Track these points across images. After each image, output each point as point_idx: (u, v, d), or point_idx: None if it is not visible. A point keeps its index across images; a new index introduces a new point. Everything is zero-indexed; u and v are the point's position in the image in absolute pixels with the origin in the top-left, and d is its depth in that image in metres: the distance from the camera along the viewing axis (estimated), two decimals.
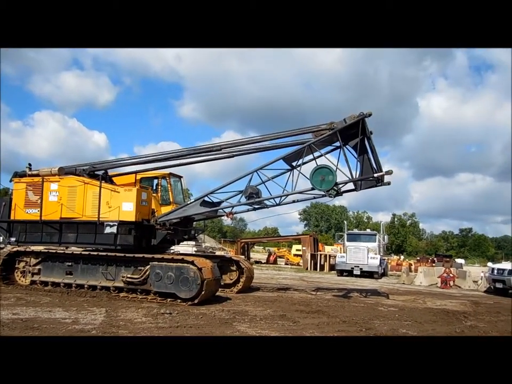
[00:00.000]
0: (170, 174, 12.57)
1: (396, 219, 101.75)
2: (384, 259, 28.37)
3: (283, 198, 10.98)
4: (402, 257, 53.15)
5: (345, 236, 26.82)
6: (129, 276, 10.48)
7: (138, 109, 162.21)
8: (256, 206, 11.29)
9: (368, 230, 34.76)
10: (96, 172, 11.87)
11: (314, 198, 11.43)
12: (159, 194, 12.40)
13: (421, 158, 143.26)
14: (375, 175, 10.36)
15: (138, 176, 12.34)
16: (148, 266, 10.22)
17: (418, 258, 45.62)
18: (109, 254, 10.64)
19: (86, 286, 10.89)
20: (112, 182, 12.01)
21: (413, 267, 32.82)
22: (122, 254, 10.55)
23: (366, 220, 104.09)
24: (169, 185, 12.51)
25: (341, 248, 30.92)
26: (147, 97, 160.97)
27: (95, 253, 10.84)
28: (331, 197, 10.40)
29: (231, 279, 12.80)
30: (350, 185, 10.85)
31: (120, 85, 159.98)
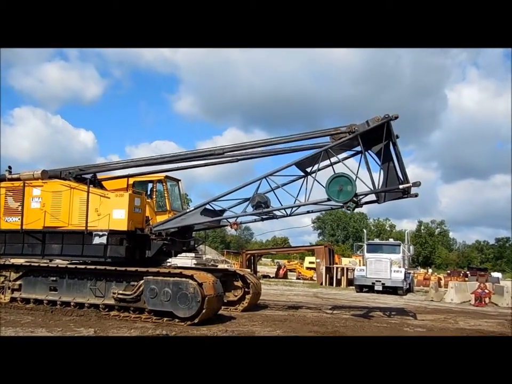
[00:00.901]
0: (167, 178, 12.60)
1: (422, 227, 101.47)
2: (410, 273, 28.19)
3: (295, 208, 10.94)
4: (430, 270, 52.77)
5: (365, 246, 26.71)
6: (120, 292, 10.49)
7: (129, 104, 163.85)
8: (264, 216, 11.24)
9: (391, 240, 34.66)
10: (83, 176, 11.94)
11: (332, 209, 11.42)
12: (154, 200, 12.44)
13: (451, 157, 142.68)
14: (401, 186, 10.12)
15: (131, 180, 12.39)
16: (142, 282, 10.23)
17: (448, 271, 45.40)
18: (98, 267, 10.67)
19: (72, 303, 10.92)
20: (101, 187, 12.08)
21: (442, 282, 32.57)
22: (113, 268, 10.57)
23: (388, 228, 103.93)
24: (165, 190, 12.54)
25: (360, 261, 30.84)
26: (139, 91, 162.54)
27: (83, 266, 10.89)
28: (349, 209, 10.35)
29: (236, 296, 12.78)
30: (372, 196, 10.76)
31: (109, 77, 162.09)
